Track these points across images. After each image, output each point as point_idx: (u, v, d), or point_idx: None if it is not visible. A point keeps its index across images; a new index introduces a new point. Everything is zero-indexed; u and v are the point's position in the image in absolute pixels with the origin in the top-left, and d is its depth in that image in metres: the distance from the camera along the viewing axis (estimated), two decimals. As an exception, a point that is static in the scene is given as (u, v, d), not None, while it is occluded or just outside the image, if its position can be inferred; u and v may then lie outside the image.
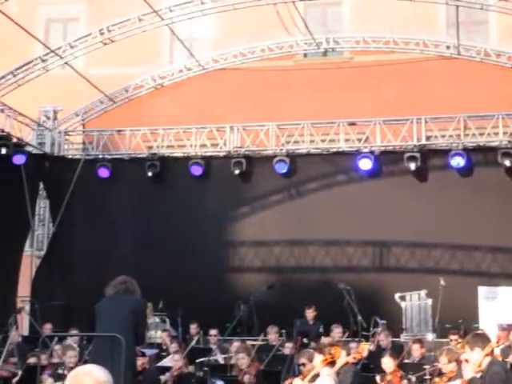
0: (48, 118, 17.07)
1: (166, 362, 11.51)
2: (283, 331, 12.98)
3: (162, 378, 10.40)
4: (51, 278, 15.91)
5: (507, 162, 14.48)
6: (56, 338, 12.12)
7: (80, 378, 3.73)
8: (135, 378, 8.19)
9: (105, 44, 15.57)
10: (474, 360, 6.30)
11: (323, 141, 15.64)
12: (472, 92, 15.72)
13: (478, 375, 6.35)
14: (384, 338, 12.04)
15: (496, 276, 14.50)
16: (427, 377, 9.43)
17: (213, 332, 12.86)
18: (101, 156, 16.47)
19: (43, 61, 15.74)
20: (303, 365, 9.21)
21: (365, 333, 12.85)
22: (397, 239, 15.17)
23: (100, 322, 7.80)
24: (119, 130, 16.61)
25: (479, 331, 7.97)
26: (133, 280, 8.08)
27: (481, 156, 15.14)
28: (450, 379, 8.28)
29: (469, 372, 6.45)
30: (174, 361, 11.08)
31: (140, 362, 9.70)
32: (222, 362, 11.49)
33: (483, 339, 6.44)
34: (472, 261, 14.83)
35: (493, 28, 17.98)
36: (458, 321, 12.94)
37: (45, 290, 15.55)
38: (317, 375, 8.26)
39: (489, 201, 14.66)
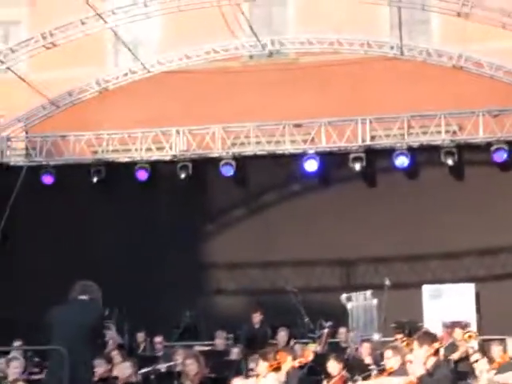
0: (-11, 124, 16.76)
1: (114, 372, 11.36)
2: (230, 336, 12.98)
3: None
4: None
5: (450, 162, 14.80)
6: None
7: None
8: None
9: (47, 48, 15.31)
10: (420, 357, 6.53)
11: (269, 142, 15.68)
12: (415, 92, 15.90)
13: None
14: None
15: (441, 275, 14.72)
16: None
17: (158, 339, 12.73)
18: (44, 162, 16.23)
19: (-16, 66, 15.45)
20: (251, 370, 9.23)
21: (311, 335, 12.91)
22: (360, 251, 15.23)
23: (55, 333, 7.25)
24: (63, 136, 16.39)
25: (428, 330, 8.29)
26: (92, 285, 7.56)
27: (425, 155, 15.39)
28: (389, 374, 8.37)
29: (415, 370, 6.61)
30: (123, 369, 10.93)
31: (102, 369, 9.59)
32: (164, 370, 11.38)
33: (432, 338, 6.73)
34: (418, 260, 15.02)
35: (435, 28, 18.20)
36: (403, 320, 13.11)
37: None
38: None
39: (434, 201, 14.88)
